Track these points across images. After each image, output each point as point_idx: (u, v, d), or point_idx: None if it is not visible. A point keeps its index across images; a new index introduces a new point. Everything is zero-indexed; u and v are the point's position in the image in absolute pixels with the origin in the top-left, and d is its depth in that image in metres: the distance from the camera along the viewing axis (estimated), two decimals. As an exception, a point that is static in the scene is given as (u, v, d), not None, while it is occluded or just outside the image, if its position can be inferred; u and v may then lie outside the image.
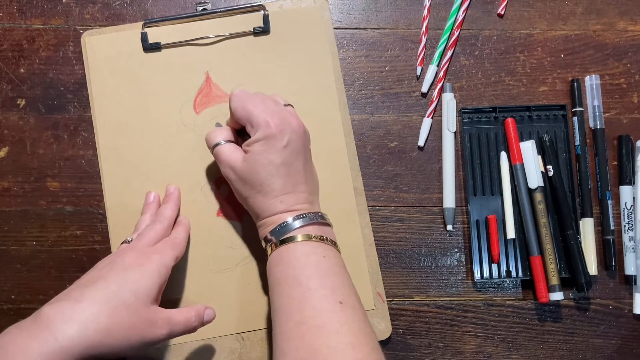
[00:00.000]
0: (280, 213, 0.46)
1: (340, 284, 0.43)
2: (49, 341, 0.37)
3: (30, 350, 0.36)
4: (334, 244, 0.46)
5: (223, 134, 0.49)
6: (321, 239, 0.45)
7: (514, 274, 0.54)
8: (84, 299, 0.39)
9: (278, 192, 0.46)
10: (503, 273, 0.54)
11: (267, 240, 0.46)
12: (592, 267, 0.54)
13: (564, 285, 0.54)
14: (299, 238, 0.44)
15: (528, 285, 0.55)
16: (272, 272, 0.45)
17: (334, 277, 0.43)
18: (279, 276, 0.44)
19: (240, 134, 0.51)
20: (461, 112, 0.56)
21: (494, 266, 0.54)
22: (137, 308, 0.41)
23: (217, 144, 0.48)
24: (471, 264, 0.54)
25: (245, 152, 0.47)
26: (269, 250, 0.46)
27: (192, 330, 0.44)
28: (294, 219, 0.45)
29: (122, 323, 0.40)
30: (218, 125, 0.54)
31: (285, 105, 0.49)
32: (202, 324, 0.45)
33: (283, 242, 0.45)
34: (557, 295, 0.53)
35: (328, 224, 0.48)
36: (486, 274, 0.54)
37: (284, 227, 0.45)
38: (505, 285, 0.55)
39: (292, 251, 0.44)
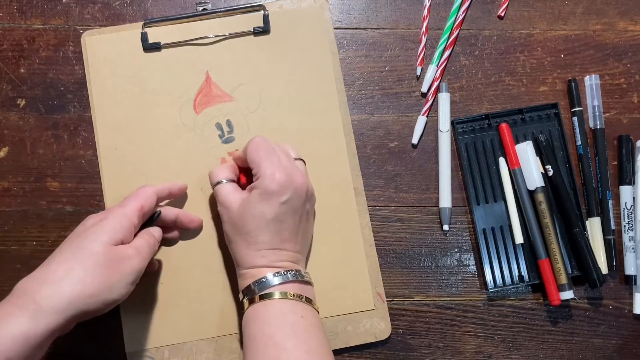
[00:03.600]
0: (260, 267, 0.46)
1: (316, 345, 0.43)
2: (27, 305, 0.38)
3: (13, 316, 0.38)
4: (311, 302, 0.46)
5: (226, 173, 0.49)
6: (299, 297, 0.45)
7: (526, 278, 0.54)
8: (51, 263, 0.42)
9: (262, 246, 0.46)
10: (516, 279, 0.54)
11: (244, 293, 0.46)
12: (603, 266, 0.54)
13: (574, 283, 0.54)
14: (277, 295, 0.44)
15: (535, 287, 0.55)
16: (247, 327, 0.45)
17: (311, 339, 0.43)
18: (254, 333, 0.44)
19: (244, 172, 0.51)
20: (454, 123, 0.56)
21: (506, 272, 0.54)
22: (104, 251, 0.42)
23: (218, 182, 0.49)
24: (483, 275, 0.54)
25: (243, 196, 0.47)
26: (246, 304, 0.46)
27: (159, 243, 0.48)
28: (274, 276, 0.45)
29: (95, 269, 0.41)
30: (218, 125, 0.54)
31: (296, 159, 0.49)
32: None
33: (260, 297, 0.45)
34: (567, 294, 0.52)
35: (309, 283, 0.48)
36: (499, 281, 0.54)
37: (262, 283, 0.45)
38: (518, 289, 0.55)
39: (269, 308, 0.44)
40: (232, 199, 0.47)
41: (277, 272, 0.45)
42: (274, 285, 0.45)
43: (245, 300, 0.46)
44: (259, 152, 0.47)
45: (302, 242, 0.49)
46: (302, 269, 0.48)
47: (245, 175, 0.51)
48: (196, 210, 0.53)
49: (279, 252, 0.46)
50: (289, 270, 0.46)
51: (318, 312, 0.47)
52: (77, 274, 0.40)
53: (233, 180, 0.49)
